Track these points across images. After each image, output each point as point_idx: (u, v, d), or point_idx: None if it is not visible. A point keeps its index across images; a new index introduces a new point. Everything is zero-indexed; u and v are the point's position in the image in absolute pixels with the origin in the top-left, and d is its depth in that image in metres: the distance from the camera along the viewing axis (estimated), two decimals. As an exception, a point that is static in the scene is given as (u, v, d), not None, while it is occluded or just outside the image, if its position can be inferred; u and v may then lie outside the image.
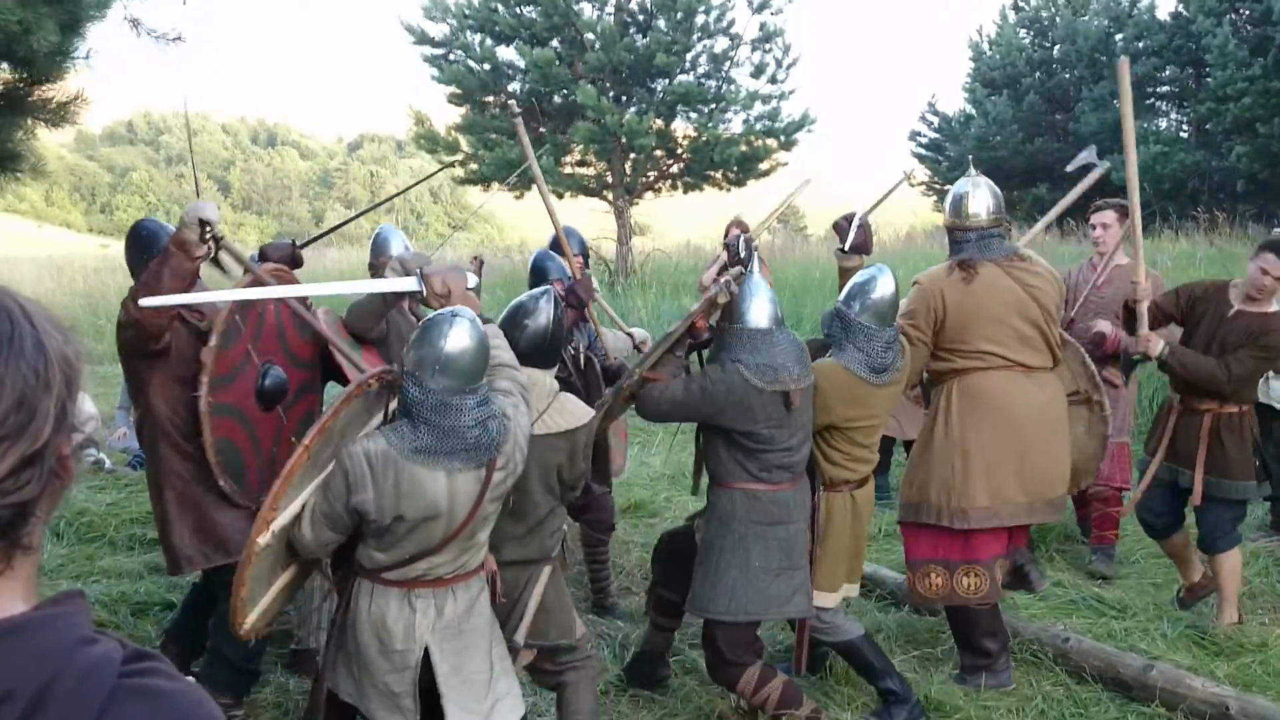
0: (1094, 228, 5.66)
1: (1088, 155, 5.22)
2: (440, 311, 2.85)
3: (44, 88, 4.71)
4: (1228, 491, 4.66)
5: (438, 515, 2.76)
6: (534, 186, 4.94)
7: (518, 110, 5.08)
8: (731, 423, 3.59)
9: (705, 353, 4.06)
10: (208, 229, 3.29)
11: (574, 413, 3.35)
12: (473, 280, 3.21)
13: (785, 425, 3.59)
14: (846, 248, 4.38)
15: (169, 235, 3.45)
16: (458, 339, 2.74)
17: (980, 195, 4.34)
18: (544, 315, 3.30)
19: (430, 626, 2.87)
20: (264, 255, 3.71)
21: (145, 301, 3.13)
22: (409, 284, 3.12)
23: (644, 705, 4.10)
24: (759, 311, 3.64)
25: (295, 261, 3.73)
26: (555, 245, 4.97)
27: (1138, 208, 4.58)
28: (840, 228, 4.45)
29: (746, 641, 3.71)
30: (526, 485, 3.18)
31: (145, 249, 3.71)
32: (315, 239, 4.19)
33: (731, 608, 3.61)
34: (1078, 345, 4.66)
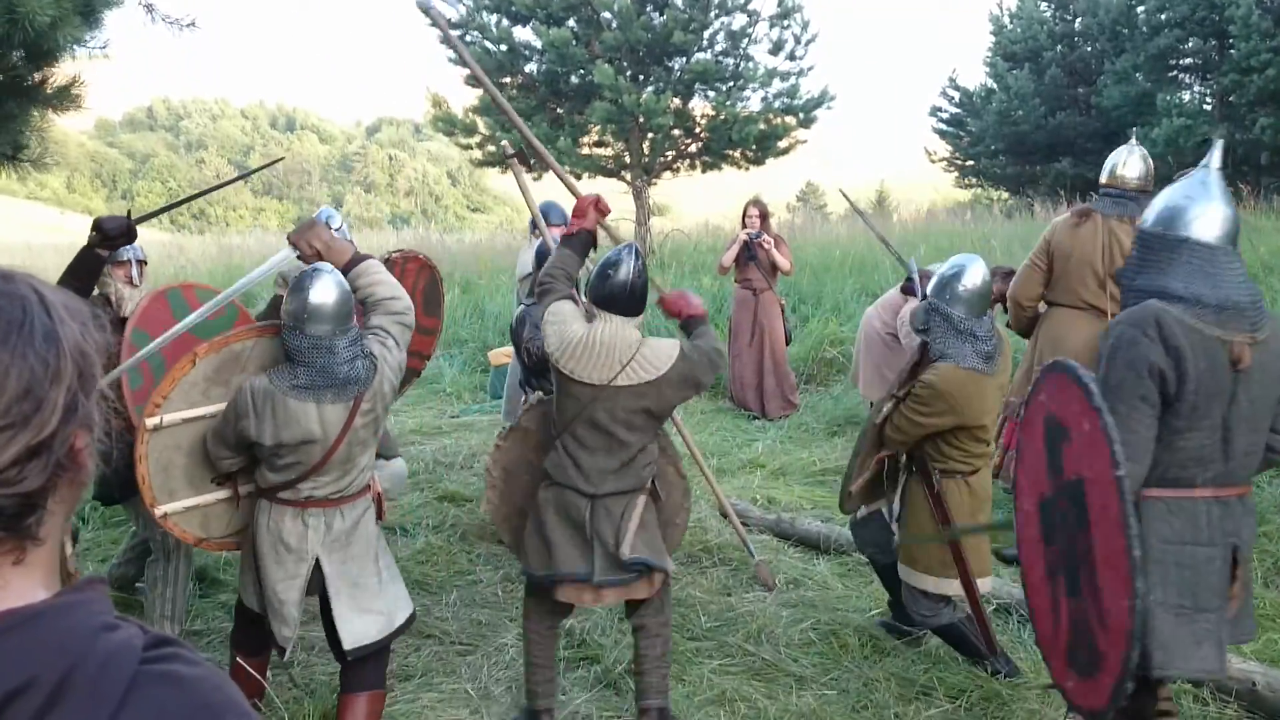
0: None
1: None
2: (306, 269, 3.29)
3: (45, 70, 4.63)
4: None
5: (313, 440, 3.25)
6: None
7: (510, 152, 4.81)
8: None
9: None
10: None
11: (656, 364, 3.48)
12: (336, 222, 3.52)
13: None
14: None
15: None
16: (320, 291, 3.22)
17: (1132, 161, 5.09)
18: (625, 267, 3.49)
19: (320, 540, 3.37)
20: (98, 226, 3.51)
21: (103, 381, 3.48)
22: (286, 255, 3.41)
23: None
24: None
25: (130, 234, 3.57)
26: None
27: None
28: (909, 290, 4.96)
29: None
30: (613, 429, 3.47)
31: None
32: (150, 215, 4.07)
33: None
34: None
